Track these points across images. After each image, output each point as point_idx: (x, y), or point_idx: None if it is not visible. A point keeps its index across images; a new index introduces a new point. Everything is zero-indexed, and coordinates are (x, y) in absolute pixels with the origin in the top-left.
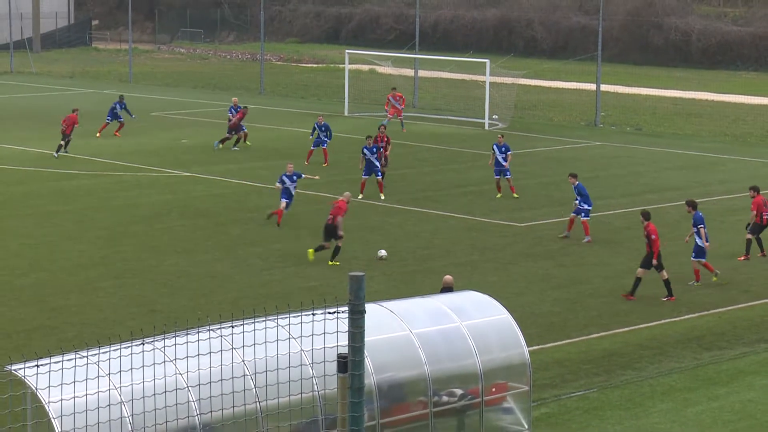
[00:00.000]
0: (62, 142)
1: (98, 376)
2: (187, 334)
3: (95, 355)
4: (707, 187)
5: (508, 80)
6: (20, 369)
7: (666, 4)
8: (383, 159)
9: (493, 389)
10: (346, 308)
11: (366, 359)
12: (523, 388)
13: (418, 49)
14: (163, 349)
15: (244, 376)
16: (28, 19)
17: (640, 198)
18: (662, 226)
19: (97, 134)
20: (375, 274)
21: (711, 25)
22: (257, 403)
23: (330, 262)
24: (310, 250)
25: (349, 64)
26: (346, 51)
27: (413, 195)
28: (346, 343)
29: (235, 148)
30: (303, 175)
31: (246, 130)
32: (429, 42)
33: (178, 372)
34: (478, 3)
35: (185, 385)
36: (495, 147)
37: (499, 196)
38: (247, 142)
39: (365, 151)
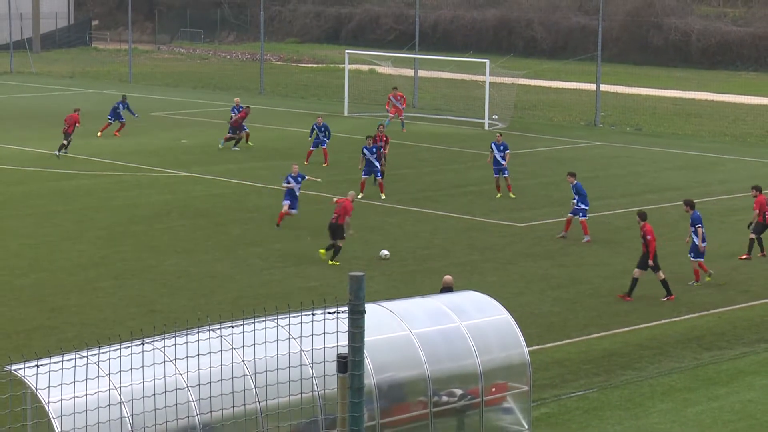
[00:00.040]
0: (65, 142)
1: (98, 376)
2: (187, 334)
3: (95, 355)
4: (707, 187)
5: (508, 80)
6: (20, 369)
7: (666, 4)
8: (383, 159)
9: (493, 389)
10: (346, 308)
11: (366, 359)
12: (523, 388)
13: (417, 49)
14: (163, 349)
15: (244, 376)
16: (28, 20)
17: (640, 198)
18: (662, 226)
19: (99, 134)
20: (375, 274)
21: (711, 26)
22: (257, 403)
23: (330, 262)
24: (322, 251)
25: (349, 64)
26: (346, 51)
27: (413, 195)
28: (346, 343)
29: (236, 148)
30: (306, 177)
31: (247, 130)
32: (429, 42)
33: (178, 372)
34: (478, 3)
35: (185, 385)
36: (493, 145)
37: (498, 195)
38: (249, 143)
39: (365, 151)
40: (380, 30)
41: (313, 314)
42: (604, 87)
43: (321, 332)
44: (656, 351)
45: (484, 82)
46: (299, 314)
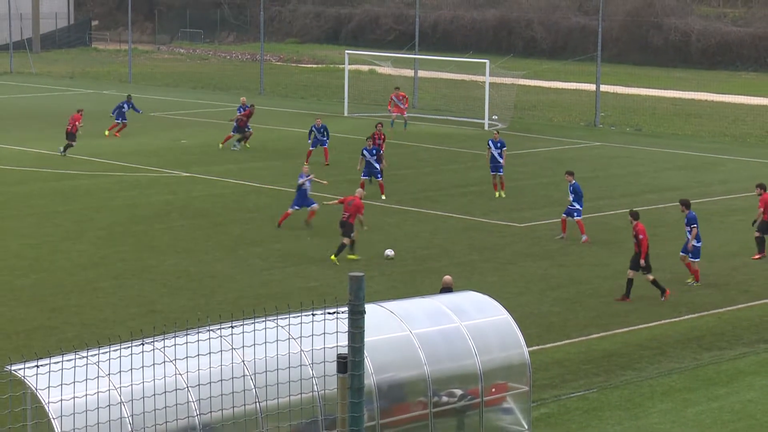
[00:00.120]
0: (73, 143)
1: (98, 377)
2: (187, 335)
3: (95, 355)
4: (707, 187)
5: (508, 80)
6: (20, 369)
7: (666, 5)
8: (383, 161)
9: (493, 389)
10: (346, 308)
11: (366, 359)
12: (523, 389)
13: (417, 50)
14: (163, 350)
15: (244, 376)
16: (27, 20)
17: (640, 198)
18: (662, 226)
19: (106, 132)
20: (375, 275)
21: (711, 26)
22: (257, 404)
23: (332, 257)
24: (351, 256)
25: (349, 64)
26: (346, 51)
27: (413, 195)
28: (346, 343)
29: (235, 148)
30: (313, 177)
31: (251, 130)
32: (429, 42)
33: (178, 372)
34: (477, 3)
35: (185, 386)
36: (490, 142)
37: (497, 195)
38: (247, 145)
39: (365, 152)
40: (380, 30)
41: (313, 314)
42: (603, 87)
43: (321, 332)
44: (656, 351)
45: (484, 82)
46: (299, 314)
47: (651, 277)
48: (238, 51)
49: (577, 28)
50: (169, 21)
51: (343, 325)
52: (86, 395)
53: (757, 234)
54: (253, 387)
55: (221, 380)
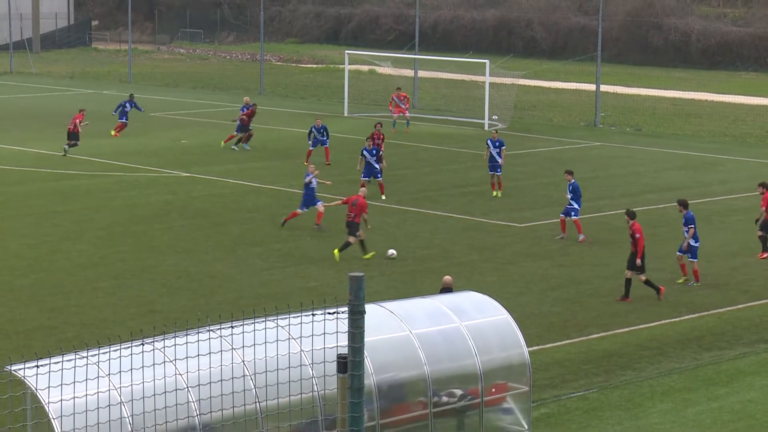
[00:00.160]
0: (77, 142)
1: (98, 377)
2: (187, 335)
3: (95, 355)
4: (707, 187)
5: (508, 80)
6: (20, 369)
7: (665, 5)
8: (383, 161)
9: (493, 389)
10: (346, 308)
11: (366, 359)
12: (523, 389)
13: (417, 50)
14: (162, 350)
15: (244, 376)
16: (27, 20)
17: (640, 198)
18: (662, 226)
19: (112, 132)
20: (375, 275)
21: (710, 26)
22: (257, 404)
23: (336, 252)
24: (366, 255)
25: (349, 64)
26: (346, 51)
27: (413, 195)
28: (346, 343)
29: (234, 148)
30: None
31: (252, 130)
32: (429, 42)
33: (178, 372)
34: (477, 3)
35: (185, 386)
36: (489, 142)
37: (494, 194)
38: (235, 147)
39: (365, 152)
40: (380, 30)
41: (313, 314)
42: (603, 87)
43: (321, 332)
44: (656, 351)
45: (484, 82)
46: (299, 314)
47: (644, 277)
48: (238, 51)
49: (577, 28)
50: (169, 21)
51: (343, 325)
52: (86, 395)
53: (760, 233)
54: (253, 387)
55: (221, 380)
